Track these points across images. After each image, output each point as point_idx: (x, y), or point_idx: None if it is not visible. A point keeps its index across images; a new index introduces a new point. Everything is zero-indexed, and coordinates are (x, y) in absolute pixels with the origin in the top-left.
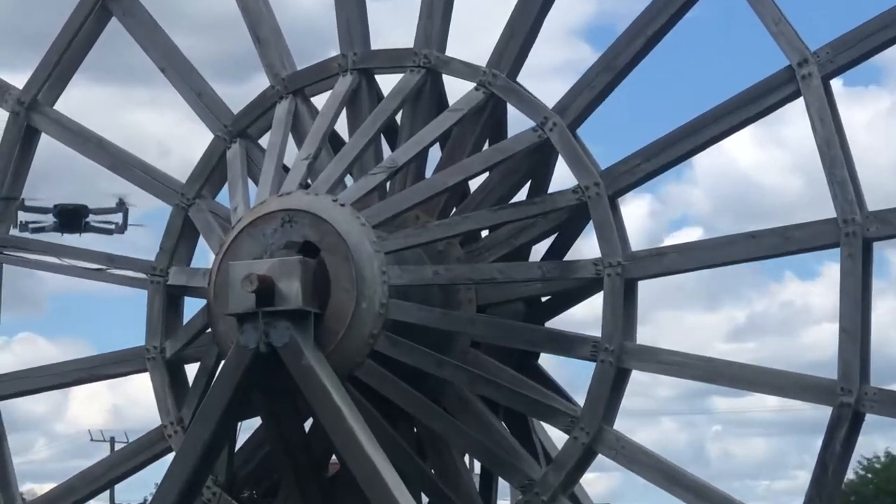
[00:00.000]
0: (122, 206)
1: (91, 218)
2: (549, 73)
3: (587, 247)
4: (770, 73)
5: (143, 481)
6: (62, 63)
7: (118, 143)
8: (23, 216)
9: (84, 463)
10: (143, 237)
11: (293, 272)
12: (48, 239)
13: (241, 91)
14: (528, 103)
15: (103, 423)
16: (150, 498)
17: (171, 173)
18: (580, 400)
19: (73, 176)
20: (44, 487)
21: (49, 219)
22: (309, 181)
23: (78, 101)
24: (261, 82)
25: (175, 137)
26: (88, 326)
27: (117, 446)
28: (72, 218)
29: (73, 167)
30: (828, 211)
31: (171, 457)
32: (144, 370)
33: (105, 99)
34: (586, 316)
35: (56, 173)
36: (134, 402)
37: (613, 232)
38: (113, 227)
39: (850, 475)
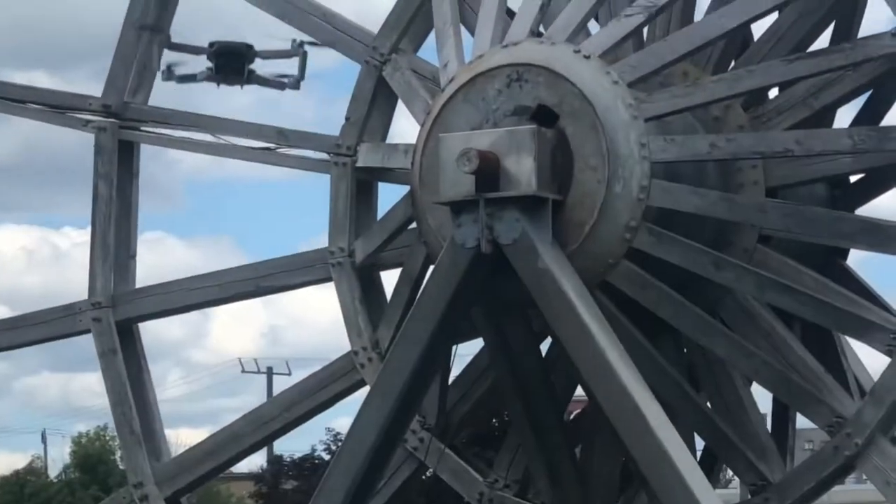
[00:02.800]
0: (298, 49)
1: (257, 65)
2: None
3: None
4: None
5: (309, 428)
6: None
7: None
8: (168, 57)
9: (232, 402)
10: (318, 105)
11: (524, 146)
12: (202, 90)
13: None
14: None
15: (256, 351)
16: (321, 449)
17: (345, 13)
18: None
19: (224, 28)
20: (180, 434)
21: (202, 64)
22: (542, 28)
23: None
24: None
25: None
26: (235, 222)
27: (276, 380)
28: (233, 61)
29: (223, 17)
30: None
31: (364, 392)
32: (328, 279)
33: None
34: None
35: (204, 23)
36: (296, 321)
37: None
38: (286, 79)
39: None
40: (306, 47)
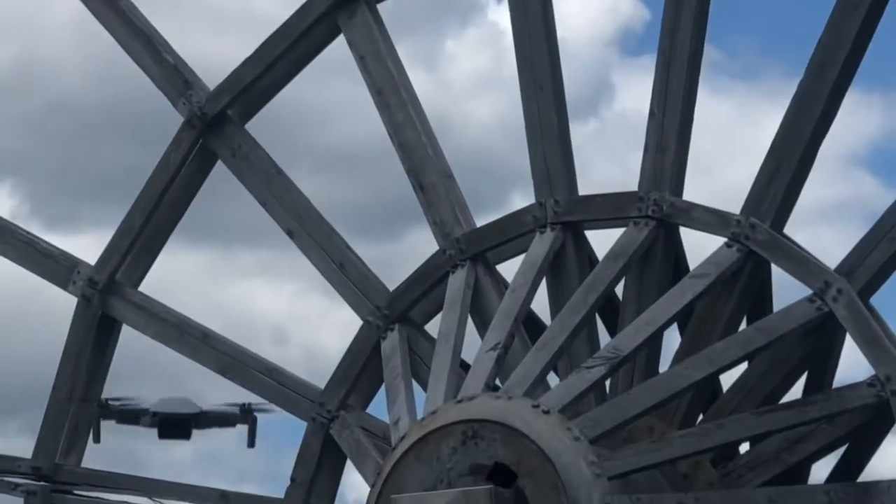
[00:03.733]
0: (246, 416)
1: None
2: (815, 217)
3: (891, 461)
4: None
5: None
6: (149, 227)
7: (221, 332)
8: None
9: None
10: (268, 458)
11: None
12: (143, 443)
13: (387, 253)
14: (802, 264)
15: None
16: None
17: (293, 369)
18: None
19: (157, 375)
20: None
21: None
22: (498, 381)
23: (160, 271)
24: (416, 241)
25: (295, 318)
26: None
27: None
28: (177, 429)
29: (158, 363)
30: None
31: None
32: None
33: (196, 268)
34: None
35: (136, 372)
36: None
37: None
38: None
39: None
40: (256, 410)
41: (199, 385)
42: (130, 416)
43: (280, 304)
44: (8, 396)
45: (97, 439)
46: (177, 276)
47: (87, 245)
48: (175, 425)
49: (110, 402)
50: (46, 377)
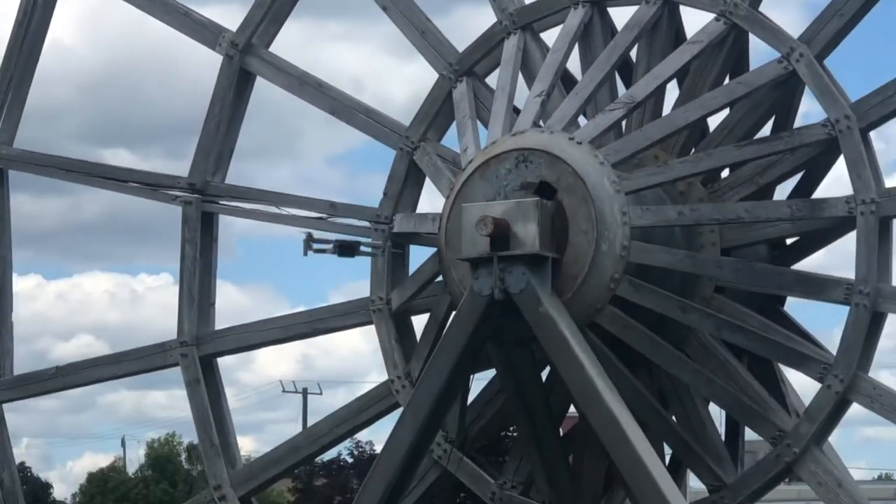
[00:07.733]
0: (385, 244)
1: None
2: (785, 1)
3: (835, 186)
4: None
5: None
6: (277, 2)
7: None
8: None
9: (275, 415)
10: (345, 179)
11: (529, 214)
12: (253, 168)
13: (442, 25)
14: (773, 33)
15: (293, 374)
16: (346, 454)
17: None
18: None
19: (267, 116)
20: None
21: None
22: (542, 121)
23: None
24: (465, 15)
25: (369, 72)
26: (277, 273)
27: (310, 399)
28: (349, 251)
29: (267, 108)
30: None
31: (398, 413)
32: (369, 322)
33: (296, 33)
34: (831, 260)
35: (259, 116)
36: (325, 351)
37: (866, 167)
38: (378, 252)
39: None
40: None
41: (302, 125)
42: (320, 242)
43: (358, 62)
44: (151, 128)
45: (306, 252)
46: (279, 42)
47: (215, 15)
48: (347, 249)
49: (312, 235)
50: (182, 118)
